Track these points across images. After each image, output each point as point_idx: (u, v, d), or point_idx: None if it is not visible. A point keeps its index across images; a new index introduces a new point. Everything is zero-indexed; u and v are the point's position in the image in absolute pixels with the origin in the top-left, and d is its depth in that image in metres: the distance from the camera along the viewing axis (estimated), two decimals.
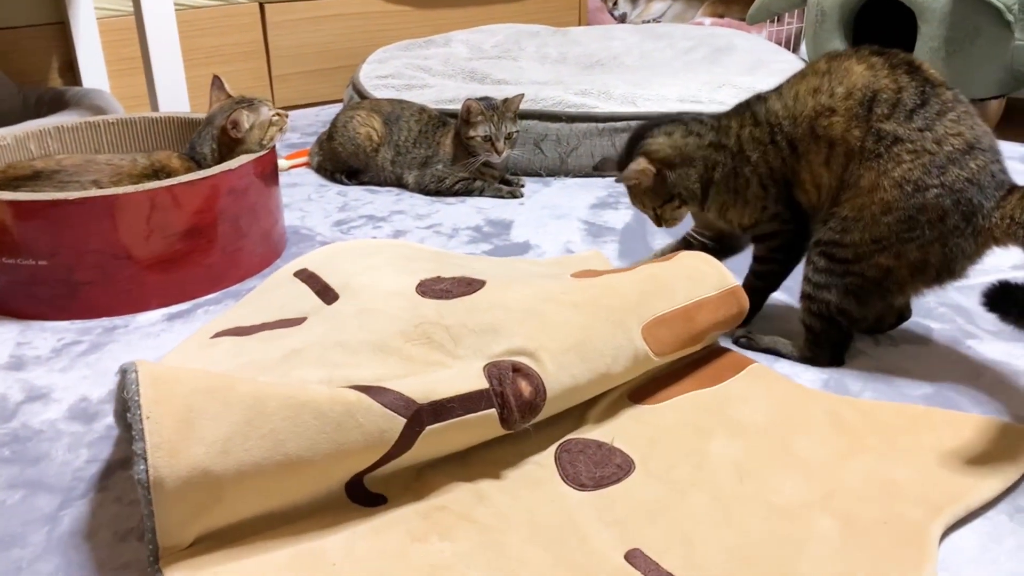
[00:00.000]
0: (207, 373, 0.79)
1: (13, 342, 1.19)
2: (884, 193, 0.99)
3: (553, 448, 0.93)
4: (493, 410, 0.87)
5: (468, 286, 1.03)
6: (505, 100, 1.67)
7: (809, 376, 1.08)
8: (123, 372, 0.76)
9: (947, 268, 1.01)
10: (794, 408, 0.99)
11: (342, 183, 1.81)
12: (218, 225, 1.30)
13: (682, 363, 1.07)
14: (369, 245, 1.20)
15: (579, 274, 1.11)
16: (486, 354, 0.92)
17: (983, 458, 0.89)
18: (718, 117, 1.15)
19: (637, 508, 0.84)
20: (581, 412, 0.98)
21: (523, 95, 1.70)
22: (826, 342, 1.08)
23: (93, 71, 2.07)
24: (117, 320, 1.24)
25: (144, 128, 1.59)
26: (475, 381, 0.87)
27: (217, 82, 1.45)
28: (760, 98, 1.12)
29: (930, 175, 0.97)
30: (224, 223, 1.31)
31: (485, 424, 0.87)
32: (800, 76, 1.08)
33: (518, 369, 0.90)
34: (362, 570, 0.76)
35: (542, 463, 0.90)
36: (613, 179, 1.20)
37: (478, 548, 0.79)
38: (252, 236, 1.37)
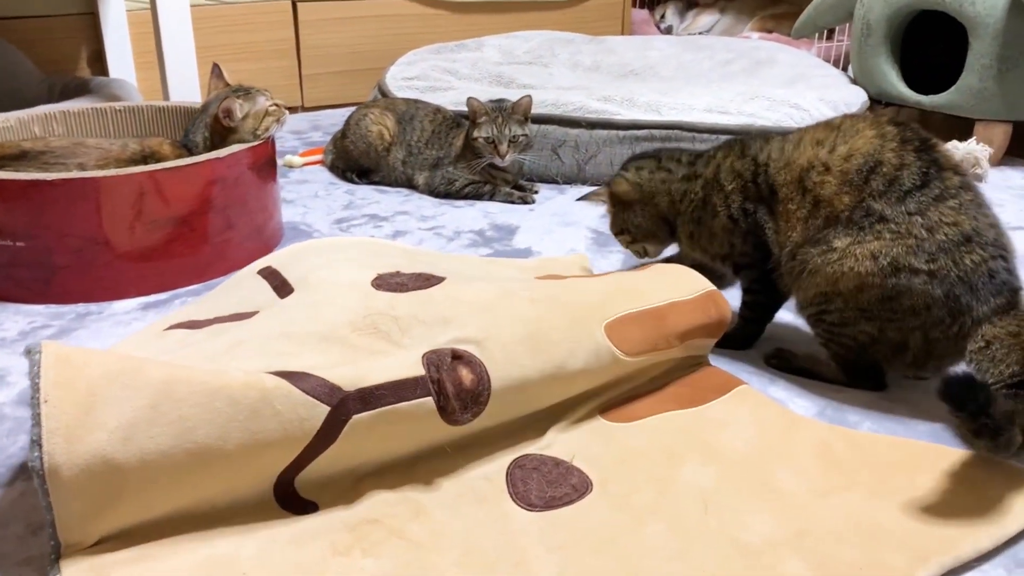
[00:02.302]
0: (117, 355, 0.74)
1: None
2: (856, 263, 0.93)
3: (507, 462, 0.85)
4: (429, 399, 0.80)
5: (426, 281, 0.98)
6: (514, 103, 1.61)
7: (804, 403, 0.99)
8: (28, 353, 0.72)
9: (926, 358, 0.95)
10: (779, 436, 0.90)
11: (352, 182, 1.77)
12: (203, 215, 1.27)
13: (663, 380, 0.99)
14: (337, 242, 1.15)
15: (544, 277, 1.04)
16: (431, 344, 0.86)
17: (983, 504, 0.79)
18: (707, 151, 1.14)
19: (586, 535, 0.76)
20: (545, 424, 0.91)
21: (530, 97, 1.63)
22: (858, 370, 1.01)
23: (120, 62, 2.08)
24: (92, 307, 1.21)
25: (151, 116, 1.57)
26: (411, 368, 0.81)
27: (216, 70, 1.42)
28: (765, 137, 1.08)
29: (916, 258, 0.90)
30: (210, 213, 1.27)
31: (422, 417, 0.81)
32: (814, 126, 1.05)
33: (459, 357, 0.83)
34: None
35: (491, 478, 0.83)
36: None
37: (402, 567, 0.72)
38: (241, 228, 1.33)
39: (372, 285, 0.96)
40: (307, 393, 0.76)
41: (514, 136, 1.59)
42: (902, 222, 0.92)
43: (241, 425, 0.73)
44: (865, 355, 0.97)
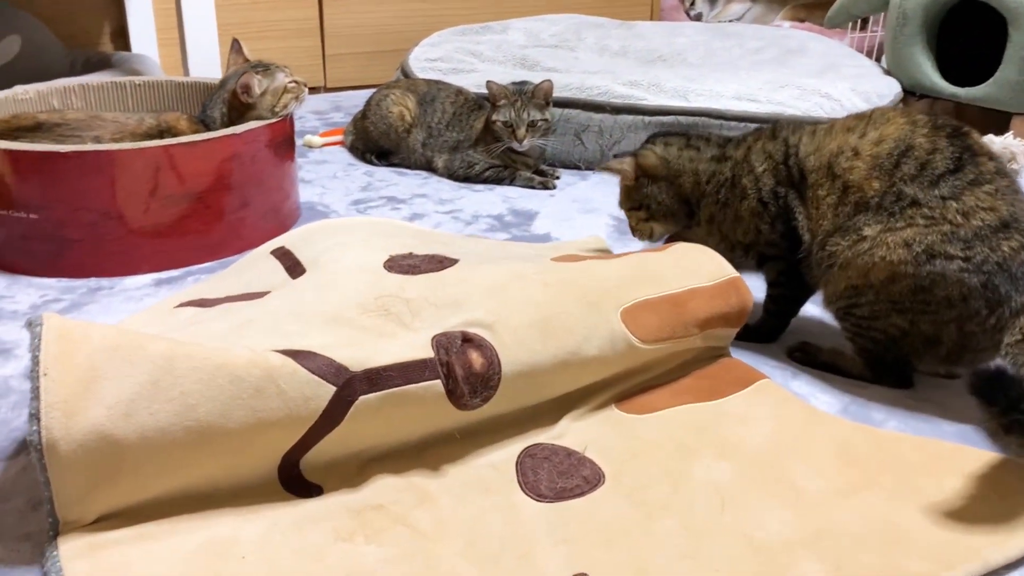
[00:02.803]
0: (118, 330, 0.73)
1: None
2: (888, 252, 0.89)
3: (517, 451, 0.83)
4: (438, 382, 0.78)
5: (439, 264, 0.96)
6: (535, 86, 1.57)
7: (827, 399, 0.95)
8: (30, 326, 0.70)
9: (960, 352, 0.91)
10: (799, 432, 0.87)
11: (372, 163, 1.74)
12: (218, 192, 1.25)
13: (681, 372, 0.96)
14: (350, 223, 1.14)
15: (560, 259, 1.01)
16: (441, 326, 0.84)
17: (1013, 509, 0.76)
18: (738, 136, 1.11)
19: (595, 528, 0.74)
20: (558, 412, 0.88)
21: (550, 82, 1.59)
22: (885, 366, 0.97)
23: (143, 38, 2.06)
24: (104, 281, 1.19)
25: (171, 91, 1.56)
26: (420, 351, 0.79)
27: (236, 45, 1.40)
28: (798, 125, 1.04)
29: (951, 245, 0.87)
30: (224, 190, 1.26)
31: (431, 400, 0.79)
32: (846, 116, 1.02)
33: (470, 340, 0.81)
34: (271, 568, 0.68)
35: (500, 467, 0.81)
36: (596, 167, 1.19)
37: (404, 556, 0.70)
38: (257, 207, 1.31)
39: (384, 267, 0.95)
40: (313, 373, 0.74)
41: (532, 121, 1.55)
42: (936, 207, 0.88)
43: (244, 403, 0.71)
44: (894, 350, 0.94)
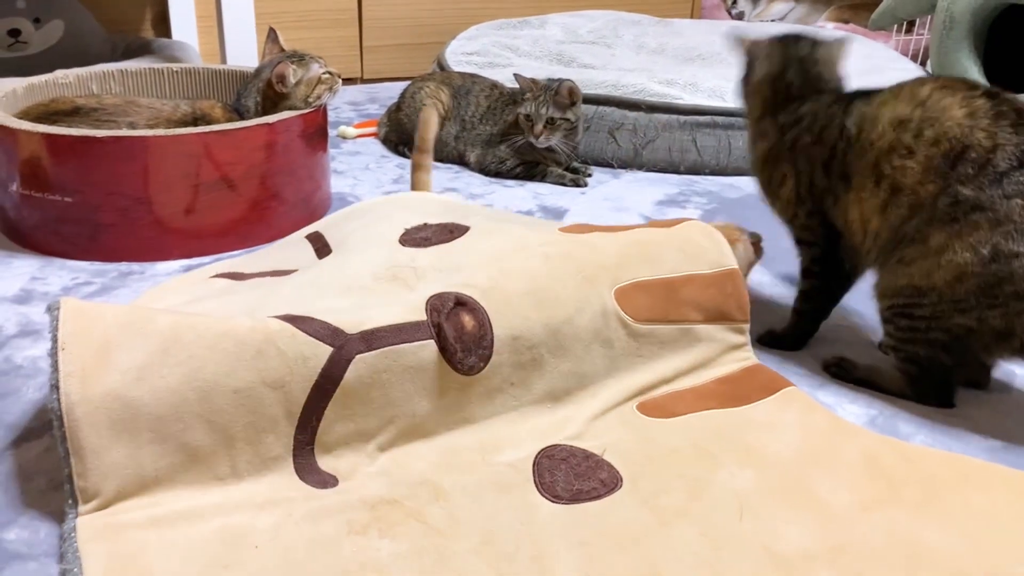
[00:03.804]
0: (130, 307, 0.77)
1: (29, 276, 1.17)
2: (954, 255, 0.86)
3: (535, 450, 0.83)
4: (431, 341, 0.82)
5: (449, 233, 1.00)
6: (558, 85, 1.55)
7: (854, 409, 0.94)
8: (49, 310, 0.73)
9: None
10: (825, 443, 0.85)
11: (405, 155, 1.74)
12: (250, 180, 1.26)
13: (702, 374, 0.94)
14: (379, 202, 1.18)
15: (568, 228, 1.02)
16: (439, 289, 0.87)
17: None
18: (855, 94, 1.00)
19: (610, 532, 0.73)
20: (575, 409, 0.88)
21: (572, 82, 1.56)
22: (928, 384, 0.94)
23: (183, 25, 2.08)
24: (135, 266, 1.21)
25: (207, 79, 1.57)
26: (413, 313, 0.83)
27: (272, 35, 1.40)
28: (870, 93, 0.97)
29: (1017, 243, 0.84)
30: (255, 179, 1.26)
31: (427, 359, 0.81)
32: (895, 92, 0.94)
33: (464, 303, 0.84)
34: (284, 559, 0.69)
35: (517, 466, 0.81)
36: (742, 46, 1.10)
37: (418, 552, 0.70)
38: (288, 196, 1.32)
39: (399, 241, 0.99)
40: (309, 335, 0.78)
41: (552, 118, 1.54)
42: (1000, 208, 0.84)
43: (247, 364, 0.75)
44: (953, 354, 0.90)
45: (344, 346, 0.79)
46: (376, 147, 1.82)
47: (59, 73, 1.45)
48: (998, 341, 0.88)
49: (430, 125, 1.29)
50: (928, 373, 0.93)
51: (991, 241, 0.85)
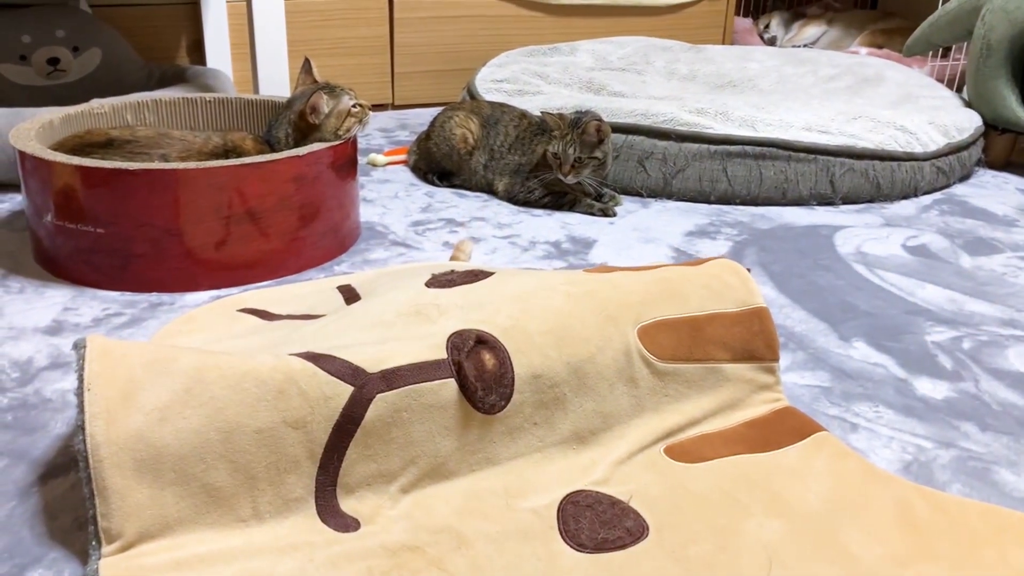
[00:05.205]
0: (154, 347, 0.77)
1: (61, 307, 1.18)
2: None
3: (559, 496, 0.81)
4: (451, 380, 0.81)
5: (474, 277, 1.00)
6: (585, 123, 1.53)
7: (887, 454, 0.91)
8: (76, 348, 0.74)
9: None
10: (856, 492, 0.83)
11: (433, 184, 1.75)
12: (280, 212, 1.26)
13: (730, 416, 0.93)
14: (417, 264, 1.19)
15: (594, 270, 1.02)
16: (461, 326, 0.86)
17: None
18: None
19: None
20: (602, 451, 0.87)
21: (597, 118, 1.54)
22: None
23: (218, 53, 2.11)
24: (164, 297, 1.22)
25: (240, 109, 1.59)
26: (433, 351, 0.83)
27: (307, 65, 1.42)
28: None
29: None
30: (286, 210, 1.27)
31: (447, 398, 0.81)
32: None
33: (484, 341, 0.84)
34: None
35: (542, 513, 0.79)
36: None
37: None
38: (318, 227, 1.32)
39: (425, 285, 0.99)
40: (331, 374, 0.78)
41: (579, 158, 1.53)
42: None
43: (269, 404, 0.75)
44: None
45: (365, 385, 0.79)
46: (405, 175, 1.82)
47: (95, 103, 1.47)
48: None
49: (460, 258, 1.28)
50: None
51: None
